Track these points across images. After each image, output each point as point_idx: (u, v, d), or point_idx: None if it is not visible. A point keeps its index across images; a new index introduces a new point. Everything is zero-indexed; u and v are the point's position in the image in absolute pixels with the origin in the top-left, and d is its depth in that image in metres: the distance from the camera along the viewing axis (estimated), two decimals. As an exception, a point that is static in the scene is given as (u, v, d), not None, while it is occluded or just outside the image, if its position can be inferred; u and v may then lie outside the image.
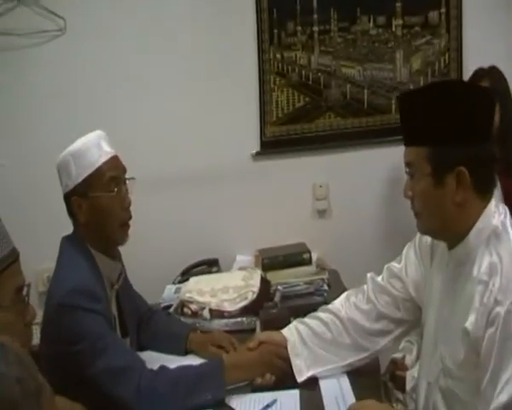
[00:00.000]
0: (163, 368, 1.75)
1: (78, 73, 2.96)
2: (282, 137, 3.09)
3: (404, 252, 1.82)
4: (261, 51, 2.98)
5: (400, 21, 3.02)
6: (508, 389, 1.32)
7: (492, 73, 2.81)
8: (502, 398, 1.32)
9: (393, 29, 3.03)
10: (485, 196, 1.51)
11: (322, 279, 2.62)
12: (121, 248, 2.06)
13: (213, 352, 1.95)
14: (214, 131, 3.05)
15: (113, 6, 2.95)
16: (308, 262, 2.77)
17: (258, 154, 3.09)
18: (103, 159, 1.86)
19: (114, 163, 1.89)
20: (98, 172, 1.84)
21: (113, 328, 1.84)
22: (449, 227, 1.52)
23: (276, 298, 2.44)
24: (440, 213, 1.50)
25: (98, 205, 1.84)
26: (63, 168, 1.86)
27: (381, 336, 1.82)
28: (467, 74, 3.00)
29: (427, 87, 1.61)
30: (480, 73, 2.82)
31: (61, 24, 2.89)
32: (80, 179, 1.83)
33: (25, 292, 1.32)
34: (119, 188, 1.88)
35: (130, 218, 1.93)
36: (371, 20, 3.01)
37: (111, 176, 1.86)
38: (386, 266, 1.86)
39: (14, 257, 1.30)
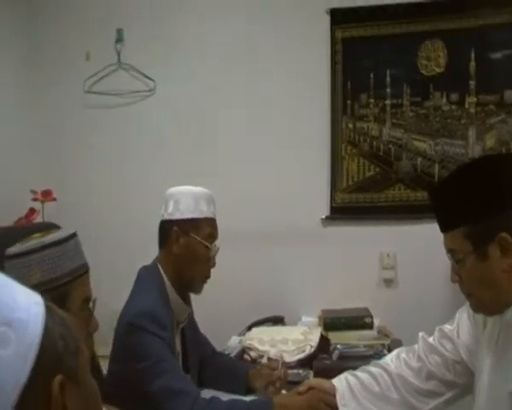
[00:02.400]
0: (215, 398, 1.83)
1: (165, 129, 3.23)
2: (352, 204, 3.18)
3: (458, 314, 1.82)
4: (334, 121, 3.13)
5: (474, 99, 3.05)
6: None
7: None
8: None
9: (467, 106, 3.06)
10: None
11: (383, 345, 2.63)
12: (194, 298, 2.20)
13: (260, 387, 2.05)
14: (286, 194, 3.19)
15: (197, 68, 3.25)
16: (369, 326, 2.79)
17: (327, 218, 3.19)
18: (210, 215, 2.05)
19: (215, 225, 2.08)
20: (205, 222, 2.03)
21: (175, 358, 1.95)
22: (500, 298, 1.51)
23: (334, 356, 2.48)
24: (491, 285, 1.50)
25: (193, 248, 2.01)
26: (176, 198, 2.03)
27: (430, 396, 1.81)
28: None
29: (452, 174, 1.66)
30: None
31: (151, 85, 3.18)
32: (189, 216, 2.01)
33: (91, 305, 1.47)
34: (212, 246, 2.06)
35: (209, 277, 2.10)
36: (444, 96, 3.07)
37: (211, 232, 2.05)
38: (438, 328, 1.85)
39: (85, 269, 1.48)
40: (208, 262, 2.05)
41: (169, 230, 2.01)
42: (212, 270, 2.11)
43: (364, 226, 3.20)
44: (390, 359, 1.90)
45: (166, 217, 2.03)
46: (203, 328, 2.37)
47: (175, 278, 2.02)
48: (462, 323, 1.80)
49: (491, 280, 1.49)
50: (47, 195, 3.10)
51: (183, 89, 3.25)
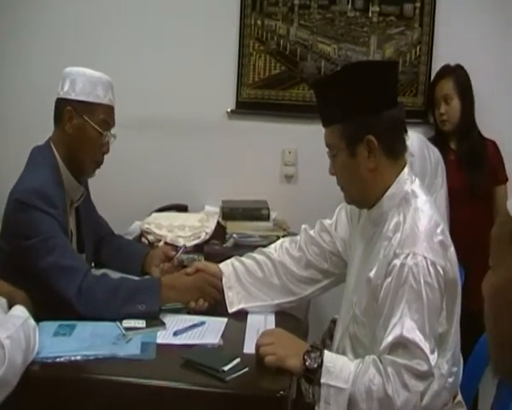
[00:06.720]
0: (105, 275, 1.92)
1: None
2: (257, 100, 3.26)
3: (337, 210, 1.99)
4: (243, 16, 3.16)
5: (377, 8, 3.14)
6: (394, 331, 1.51)
7: (457, 71, 2.98)
8: (388, 339, 1.51)
9: (370, 15, 3.15)
10: (397, 161, 1.70)
11: (278, 236, 2.79)
12: (98, 183, 2.26)
13: (154, 269, 2.16)
14: (194, 85, 3.23)
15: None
16: (266, 218, 2.94)
17: (233, 112, 3.26)
18: (107, 102, 2.06)
19: (111, 113, 2.09)
20: (100, 107, 2.04)
21: (67, 236, 1.99)
22: (367, 193, 1.71)
23: (229, 244, 2.64)
24: (358, 181, 1.69)
25: (85, 131, 2.03)
26: (73, 77, 2.03)
27: (308, 283, 1.99)
28: (436, 68, 3.11)
29: (333, 73, 1.79)
30: (446, 70, 3.01)
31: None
32: (84, 99, 2.02)
33: None
34: (105, 134, 2.07)
35: (101, 163, 2.12)
36: (350, 2, 3.14)
37: (105, 119, 2.06)
38: (319, 221, 2.02)
39: None
40: (100, 148, 2.07)
41: (63, 109, 2.02)
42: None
43: (268, 123, 3.29)
44: (274, 248, 2.04)
45: (62, 95, 2.04)
46: (105, 212, 2.44)
47: (67, 158, 2.05)
48: (341, 219, 1.98)
49: (359, 177, 1.68)
50: None
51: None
